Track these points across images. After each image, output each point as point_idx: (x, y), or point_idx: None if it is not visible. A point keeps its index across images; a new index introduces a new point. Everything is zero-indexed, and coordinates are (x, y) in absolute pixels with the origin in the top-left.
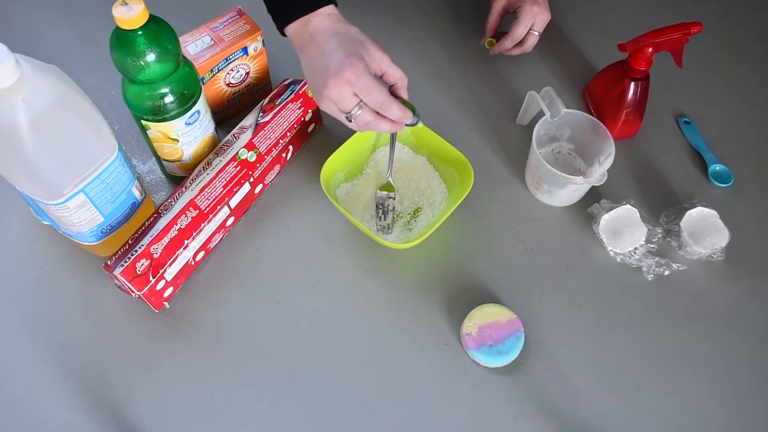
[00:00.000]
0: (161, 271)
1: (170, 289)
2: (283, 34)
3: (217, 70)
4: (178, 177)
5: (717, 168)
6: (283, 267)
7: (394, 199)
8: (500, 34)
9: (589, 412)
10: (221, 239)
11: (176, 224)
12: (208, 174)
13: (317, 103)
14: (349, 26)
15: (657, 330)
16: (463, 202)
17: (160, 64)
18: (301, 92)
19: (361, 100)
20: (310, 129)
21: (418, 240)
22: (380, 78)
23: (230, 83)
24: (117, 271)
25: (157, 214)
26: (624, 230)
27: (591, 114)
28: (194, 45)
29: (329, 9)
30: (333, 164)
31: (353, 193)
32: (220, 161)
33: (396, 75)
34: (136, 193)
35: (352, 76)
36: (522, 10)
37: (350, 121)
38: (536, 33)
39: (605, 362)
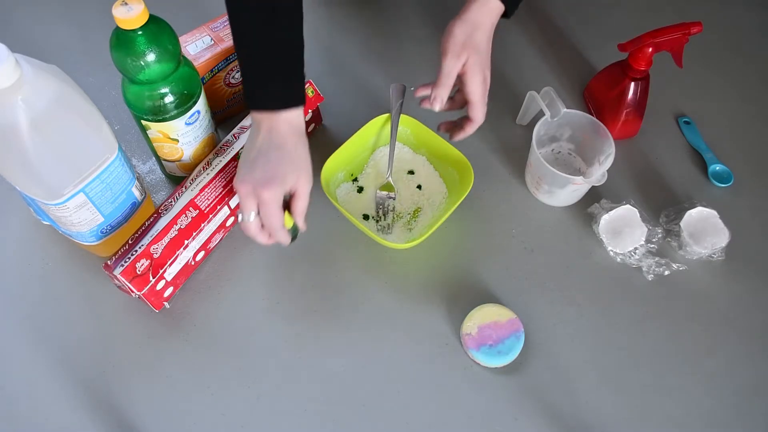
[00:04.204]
0: (161, 271)
1: (170, 289)
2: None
3: (217, 70)
4: (178, 177)
5: (717, 168)
6: (283, 267)
7: (394, 199)
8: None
9: (589, 412)
10: (221, 239)
11: (176, 224)
12: (208, 174)
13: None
14: (299, 143)
15: (657, 330)
16: (463, 202)
17: (160, 64)
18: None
19: (258, 213)
20: (310, 129)
21: (418, 240)
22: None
23: (230, 83)
24: (117, 271)
25: (157, 214)
26: (624, 230)
27: (591, 114)
28: (194, 45)
29: (294, 115)
30: (333, 164)
31: (353, 193)
32: (220, 161)
33: (297, 208)
34: (136, 193)
35: (267, 197)
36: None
37: (240, 219)
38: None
39: (605, 362)
